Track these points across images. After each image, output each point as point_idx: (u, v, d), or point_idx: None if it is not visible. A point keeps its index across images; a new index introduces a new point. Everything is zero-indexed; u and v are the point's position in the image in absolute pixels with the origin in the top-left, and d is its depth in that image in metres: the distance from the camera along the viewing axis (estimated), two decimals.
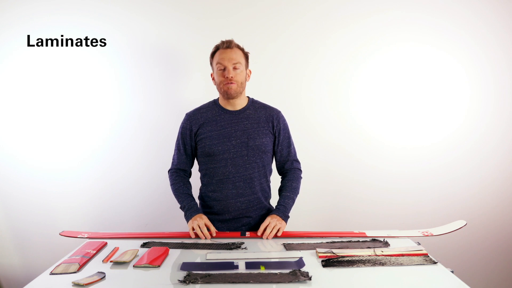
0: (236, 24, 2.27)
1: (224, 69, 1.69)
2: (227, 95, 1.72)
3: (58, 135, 2.31)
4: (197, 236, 1.62)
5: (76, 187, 2.34)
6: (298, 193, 1.81)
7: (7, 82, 2.28)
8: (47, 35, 2.24)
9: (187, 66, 2.31)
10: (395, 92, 2.33)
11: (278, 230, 1.62)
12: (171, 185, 1.81)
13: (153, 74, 2.31)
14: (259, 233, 1.63)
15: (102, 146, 2.33)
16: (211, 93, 1.94)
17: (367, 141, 2.35)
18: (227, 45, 1.71)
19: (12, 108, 2.30)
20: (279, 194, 1.80)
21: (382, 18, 2.28)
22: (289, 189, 1.78)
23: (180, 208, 1.75)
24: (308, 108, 2.33)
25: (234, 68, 1.69)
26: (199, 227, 1.61)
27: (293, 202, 1.78)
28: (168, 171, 1.85)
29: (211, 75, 1.80)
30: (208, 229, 1.63)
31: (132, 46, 2.28)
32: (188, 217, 1.69)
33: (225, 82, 1.69)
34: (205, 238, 1.60)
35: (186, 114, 1.82)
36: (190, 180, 1.86)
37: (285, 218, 1.70)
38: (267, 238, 1.61)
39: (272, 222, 1.64)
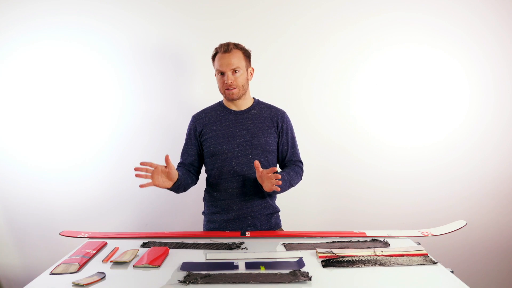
0: (237, 25, 2.27)
1: (223, 74, 1.69)
2: (230, 99, 1.74)
3: (58, 135, 2.31)
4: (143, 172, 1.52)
5: (76, 187, 2.34)
6: (293, 183, 1.73)
7: (7, 82, 2.29)
8: (48, 35, 2.25)
9: (189, 67, 2.31)
10: (395, 92, 2.33)
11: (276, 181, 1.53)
12: None
13: (154, 75, 2.31)
14: (263, 173, 1.54)
15: (102, 146, 2.33)
16: (213, 94, 1.94)
17: (367, 141, 2.35)
18: (225, 49, 1.69)
19: (12, 108, 2.30)
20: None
21: (382, 18, 2.28)
22: (286, 173, 1.68)
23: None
24: (308, 108, 2.33)
25: (234, 72, 1.69)
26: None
27: (286, 186, 1.67)
28: None
29: (215, 75, 1.79)
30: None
31: (134, 46, 2.28)
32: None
33: (225, 87, 1.70)
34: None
35: (192, 116, 1.84)
36: (197, 186, 1.84)
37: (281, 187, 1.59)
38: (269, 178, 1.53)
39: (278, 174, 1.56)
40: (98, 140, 2.33)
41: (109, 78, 2.30)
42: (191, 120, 1.83)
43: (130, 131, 2.32)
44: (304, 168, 1.88)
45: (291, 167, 1.79)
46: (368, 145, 2.35)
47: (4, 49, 2.26)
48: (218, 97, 1.87)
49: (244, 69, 1.72)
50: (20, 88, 2.29)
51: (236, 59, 1.69)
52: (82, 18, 2.25)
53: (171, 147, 2.22)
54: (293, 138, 1.83)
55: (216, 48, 1.75)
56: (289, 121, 1.83)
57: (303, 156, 1.90)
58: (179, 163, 1.82)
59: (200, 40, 2.28)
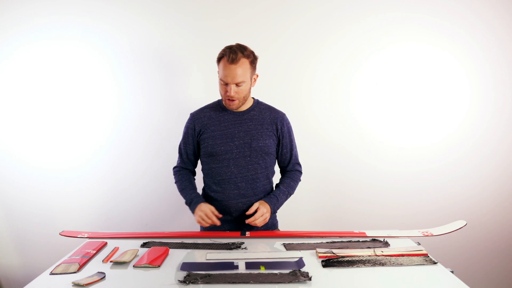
0: (237, 25, 2.27)
1: (227, 84, 1.63)
2: (229, 109, 1.73)
3: (58, 135, 2.31)
4: (208, 225, 1.63)
5: (76, 187, 2.34)
6: (292, 193, 1.81)
7: (7, 82, 2.28)
8: (48, 35, 2.25)
9: (187, 66, 2.31)
10: (395, 92, 2.33)
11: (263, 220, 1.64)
12: (175, 182, 1.82)
13: (153, 75, 2.30)
14: (248, 212, 1.65)
15: (102, 146, 2.33)
16: (211, 93, 1.94)
17: (367, 141, 2.35)
18: (232, 58, 1.58)
19: (12, 108, 2.30)
20: (276, 186, 1.81)
21: (382, 18, 2.28)
22: (286, 185, 1.78)
23: (186, 204, 1.75)
24: (308, 108, 2.33)
25: (237, 85, 1.63)
26: (203, 218, 1.62)
27: (286, 199, 1.78)
28: (173, 168, 1.86)
29: (218, 78, 1.73)
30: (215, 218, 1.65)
31: (132, 46, 2.28)
32: (192, 210, 1.70)
33: (226, 97, 1.67)
34: (211, 224, 1.63)
35: (190, 114, 1.82)
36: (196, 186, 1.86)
37: (273, 211, 1.71)
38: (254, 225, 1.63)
39: (261, 209, 1.63)
40: (98, 140, 2.33)
41: (108, 78, 2.30)
42: (190, 118, 1.80)
43: (129, 131, 2.32)
44: (304, 168, 1.89)
45: (290, 175, 1.82)
46: (368, 145, 2.35)
47: (4, 49, 2.26)
48: (218, 98, 1.86)
49: (248, 80, 1.65)
50: (20, 88, 2.28)
51: (242, 70, 1.61)
52: (82, 18, 2.24)
53: (169, 147, 2.23)
54: (292, 140, 1.82)
55: (222, 52, 1.63)
56: (289, 123, 1.81)
57: (302, 156, 1.90)
58: (179, 167, 1.83)
59: (200, 40, 2.27)
